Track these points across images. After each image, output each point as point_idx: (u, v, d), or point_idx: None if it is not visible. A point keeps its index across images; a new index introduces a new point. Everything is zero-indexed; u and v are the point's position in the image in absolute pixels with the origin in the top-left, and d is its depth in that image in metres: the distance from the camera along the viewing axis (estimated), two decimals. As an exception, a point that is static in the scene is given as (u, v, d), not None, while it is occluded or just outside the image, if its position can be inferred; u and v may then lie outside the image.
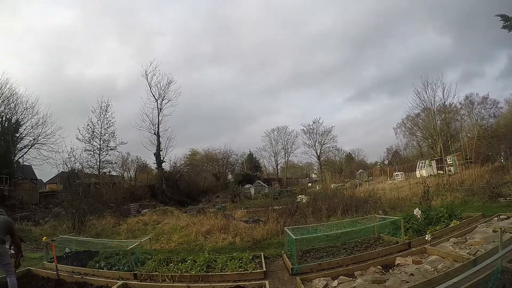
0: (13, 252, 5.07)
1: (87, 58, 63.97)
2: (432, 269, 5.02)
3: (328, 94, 76.18)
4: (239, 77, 72.76)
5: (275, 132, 49.09)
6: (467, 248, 5.84)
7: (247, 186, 36.54)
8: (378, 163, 51.21)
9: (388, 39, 62.66)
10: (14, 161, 26.97)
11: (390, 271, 5.36)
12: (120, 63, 68.19)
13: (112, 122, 29.72)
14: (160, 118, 32.72)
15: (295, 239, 6.21)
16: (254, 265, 6.23)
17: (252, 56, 71.96)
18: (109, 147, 29.53)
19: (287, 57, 70.28)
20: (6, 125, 26.01)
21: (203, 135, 65.84)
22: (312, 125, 47.67)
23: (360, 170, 42.89)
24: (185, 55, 70.05)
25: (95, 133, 28.92)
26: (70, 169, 21.88)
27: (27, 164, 29.45)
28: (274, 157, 49.74)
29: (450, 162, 28.34)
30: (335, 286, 4.92)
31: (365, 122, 72.50)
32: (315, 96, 74.24)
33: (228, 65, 73.53)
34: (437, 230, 7.45)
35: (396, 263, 5.64)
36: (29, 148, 27.67)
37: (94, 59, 64.86)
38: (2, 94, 25.90)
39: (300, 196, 18.82)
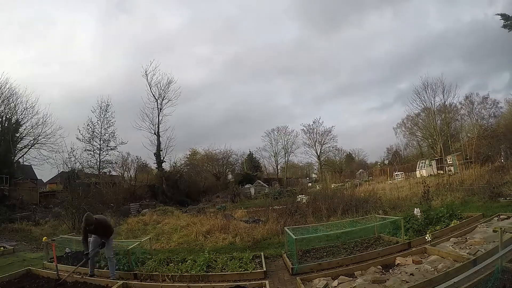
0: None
1: (175, 64, 70.58)
2: (432, 269, 5.02)
3: (360, 102, 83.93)
4: (301, 87, 79.85)
5: (275, 132, 49.01)
6: (467, 248, 5.84)
7: (247, 186, 36.52)
8: (378, 163, 51.18)
9: (417, 64, 70.31)
10: (14, 161, 26.93)
11: (390, 271, 5.36)
12: (206, 69, 74.11)
13: (112, 122, 29.73)
14: (160, 118, 32.81)
15: (295, 239, 6.22)
16: (254, 265, 6.23)
17: (320, 71, 79.75)
18: (109, 147, 29.54)
19: (345, 74, 78.56)
20: (6, 125, 25.99)
21: (237, 134, 71.31)
22: (312, 125, 47.71)
23: (360, 170, 42.86)
24: (264, 67, 76.74)
25: (95, 133, 28.93)
26: (70, 169, 21.94)
27: (27, 164, 29.44)
28: (274, 157, 49.63)
29: (450, 162, 28.34)
30: (335, 286, 4.92)
31: (385, 124, 78.64)
32: (347, 103, 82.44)
33: (296, 78, 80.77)
34: (437, 230, 7.45)
35: (396, 263, 5.64)
36: (29, 148, 27.63)
37: (181, 64, 70.34)
38: (2, 94, 25.90)
39: (300, 196, 18.82)
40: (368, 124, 74.70)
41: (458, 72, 58.13)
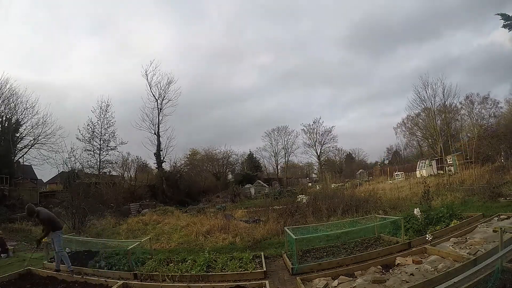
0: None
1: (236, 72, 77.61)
2: (432, 269, 5.02)
3: (377, 108, 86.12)
4: (333, 95, 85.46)
5: (275, 132, 49.07)
6: (467, 248, 5.84)
7: (247, 186, 36.50)
8: (378, 163, 51.24)
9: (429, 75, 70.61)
10: (15, 161, 26.95)
11: (390, 271, 5.36)
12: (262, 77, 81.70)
13: (112, 122, 29.67)
14: (160, 118, 32.85)
15: (295, 239, 6.21)
16: (254, 265, 6.24)
17: (353, 83, 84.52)
18: (109, 147, 29.48)
19: (374, 86, 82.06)
20: (6, 125, 26.00)
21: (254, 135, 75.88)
22: (312, 125, 47.80)
23: (360, 170, 42.88)
24: (311, 77, 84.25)
25: (95, 133, 28.88)
26: (70, 169, 21.87)
27: (27, 164, 29.47)
28: (275, 157, 49.71)
29: (450, 162, 28.34)
30: (335, 286, 4.92)
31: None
32: (367, 108, 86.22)
33: (332, 87, 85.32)
34: (437, 230, 7.45)
35: (396, 263, 5.64)
36: (29, 148, 27.65)
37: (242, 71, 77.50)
38: (2, 94, 25.92)
39: (300, 196, 18.82)
40: (380, 126, 79.89)
41: (461, 82, 61.84)
